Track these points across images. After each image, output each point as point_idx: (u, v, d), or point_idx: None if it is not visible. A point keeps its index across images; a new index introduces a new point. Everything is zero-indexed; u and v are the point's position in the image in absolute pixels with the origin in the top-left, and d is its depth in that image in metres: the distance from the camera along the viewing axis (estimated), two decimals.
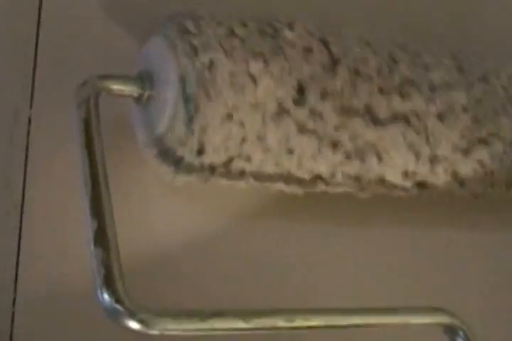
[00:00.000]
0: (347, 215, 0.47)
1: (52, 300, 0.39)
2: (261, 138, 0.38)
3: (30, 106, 0.41)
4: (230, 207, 0.45)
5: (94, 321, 0.37)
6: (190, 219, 0.44)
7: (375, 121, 0.41)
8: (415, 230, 0.49)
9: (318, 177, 0.40)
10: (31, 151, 0.40)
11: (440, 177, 0.43)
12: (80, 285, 0.37)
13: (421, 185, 0.43)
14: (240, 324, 0.33)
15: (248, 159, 0.38)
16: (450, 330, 0.40)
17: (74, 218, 0.39)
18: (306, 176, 0.40)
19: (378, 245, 0.47)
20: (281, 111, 0.38)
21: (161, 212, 0.43)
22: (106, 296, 0.31)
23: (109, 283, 0.31)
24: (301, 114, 0.39)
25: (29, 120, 0.40)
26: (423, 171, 0.43)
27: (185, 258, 0.43)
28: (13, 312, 0.38)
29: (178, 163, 0.37)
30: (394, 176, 0.42)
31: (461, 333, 0.39)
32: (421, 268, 0.48)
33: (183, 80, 0.37)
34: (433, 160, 0.43)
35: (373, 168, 0.41)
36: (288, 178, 0.40)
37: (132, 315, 0.31)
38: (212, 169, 0.38)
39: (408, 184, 0.43)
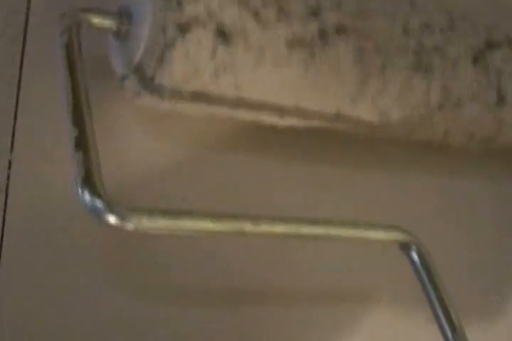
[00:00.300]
0: (314, 151, 0.50)
1: (41, 206, 0.42)
2: None
3: (11, 150, 0.42)
4: (204, 140, 0.47)
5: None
6: (168, 153, 0.46)
7: None
8: (376, 164, 0.52)
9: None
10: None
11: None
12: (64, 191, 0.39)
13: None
14: (209, 224, 0.35)
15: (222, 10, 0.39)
16: (405, 246, 0.43)
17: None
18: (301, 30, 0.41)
19: (342, 178, 0.50)
20: None
21: (139, 146, 0.45)
22: (85, 193, 0.33)
23: (88, 181, 0.33)
24: None
25: (9, 163, 0.41)
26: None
27: (161, 189, 0.46)
28: (4, 216, 0.40)
29: (156, 86, 0.40)
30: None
31: (414, 248, 0.43)
32: (382, 194, 0.51)
33: None
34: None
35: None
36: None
37: (110, 210, 0.33)
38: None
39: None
